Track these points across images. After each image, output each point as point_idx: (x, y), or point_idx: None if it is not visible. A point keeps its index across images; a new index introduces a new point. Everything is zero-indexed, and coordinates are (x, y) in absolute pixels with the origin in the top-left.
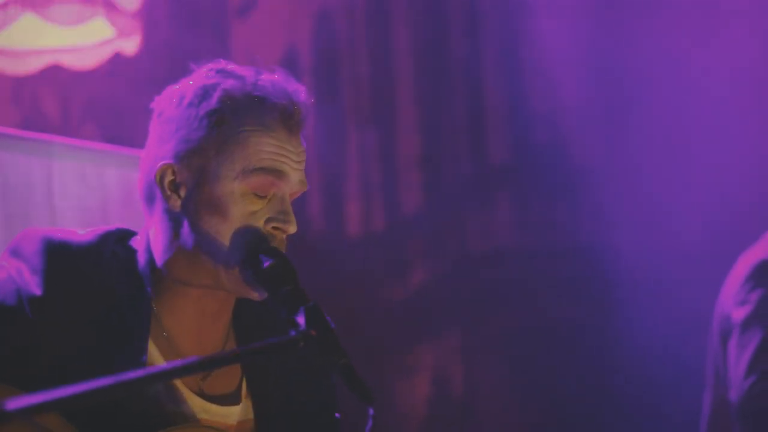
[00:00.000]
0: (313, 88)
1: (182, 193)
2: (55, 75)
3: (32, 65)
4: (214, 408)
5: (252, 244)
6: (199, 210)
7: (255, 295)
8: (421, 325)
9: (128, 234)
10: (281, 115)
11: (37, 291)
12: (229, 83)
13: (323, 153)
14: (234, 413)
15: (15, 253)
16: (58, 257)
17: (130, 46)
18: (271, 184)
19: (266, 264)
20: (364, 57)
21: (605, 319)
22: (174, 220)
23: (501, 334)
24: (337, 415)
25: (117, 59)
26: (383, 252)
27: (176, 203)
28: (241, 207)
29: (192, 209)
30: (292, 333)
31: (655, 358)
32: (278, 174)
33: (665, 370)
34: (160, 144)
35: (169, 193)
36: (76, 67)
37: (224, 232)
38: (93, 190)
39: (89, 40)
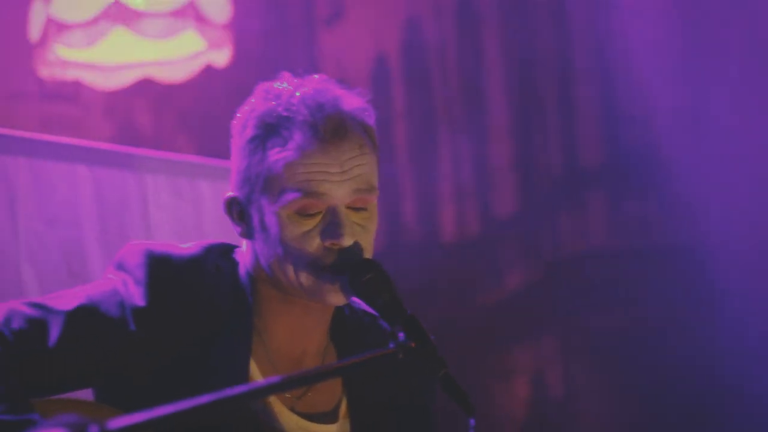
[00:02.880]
0: (404, 94)
1: (247, 221)
2: (147, 88)
3: (124, 79)
4: (311, 425)
5: (343, 259)
6: (258, 237)
7: (340, 300)
8: (518, 328)
9: (231, 248)
10: (311, 131)
11: (141, 302)
12: (263, 107)
13: (416, 158)
14: None
15: (120, 266)
16: (161, 269)
17: (221, 57)
18: (311, 205)
19: (364, 278)
20: (454, 61)
21: (701, 317)
22: (248, 245)
23: (598, 334)
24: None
25: (208, 71)
26: (478, 256)
27: (244, 231)
28: (292, 229)
29: (255, 236)
30: (391, 345)
31: (753, 357)
32: (315, 195)
33: (764, 368)
34: (232, 173)
35: (237, 222)
36: (167, 81)
37: (285, 256)
38: (187, 203)
39: (180, 53)
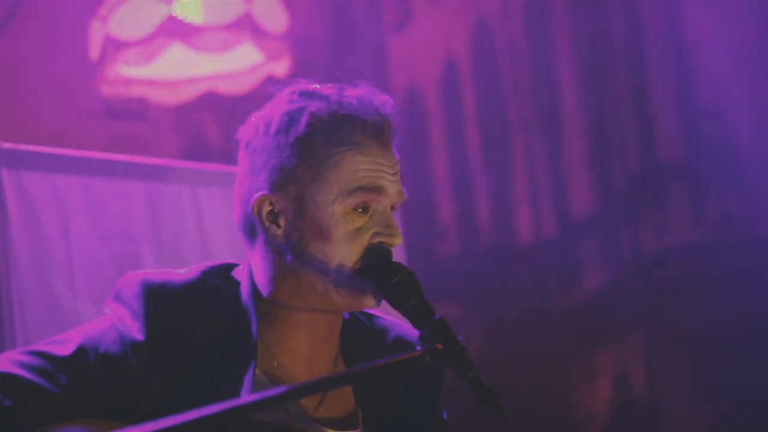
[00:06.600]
0: (475, 96)
1: (282, 222)
2: (214, 103)
3: (186, 94)
4: None
5: (375, 261)
6: (303, 236)
7: (371, 304)
8: (599, 328)
9: (230, 267)
10: (372, 131)
11: (139, 336)
12: (314, 105)
13: (489, 161)
14: None
15: (117, 298)
16: (158, 299)
17: (281, 68)
18: (370, 200)
19: (391, 280)
20: (525, 62)
21: None
22: (277, 251)
23: (681, 331)
24: (444, 415)
25: (273, 82)
26: (555, 257)
27: (277, 233)
28: (344, 227)
29: (296, 237)
30: (418, 348)
31: None
32: (377, 190)
33: None
34: (253, 175)
35: (268, 224)
36: (229, 93)
37: (331, 254)
38: None
39: (239, 66)
